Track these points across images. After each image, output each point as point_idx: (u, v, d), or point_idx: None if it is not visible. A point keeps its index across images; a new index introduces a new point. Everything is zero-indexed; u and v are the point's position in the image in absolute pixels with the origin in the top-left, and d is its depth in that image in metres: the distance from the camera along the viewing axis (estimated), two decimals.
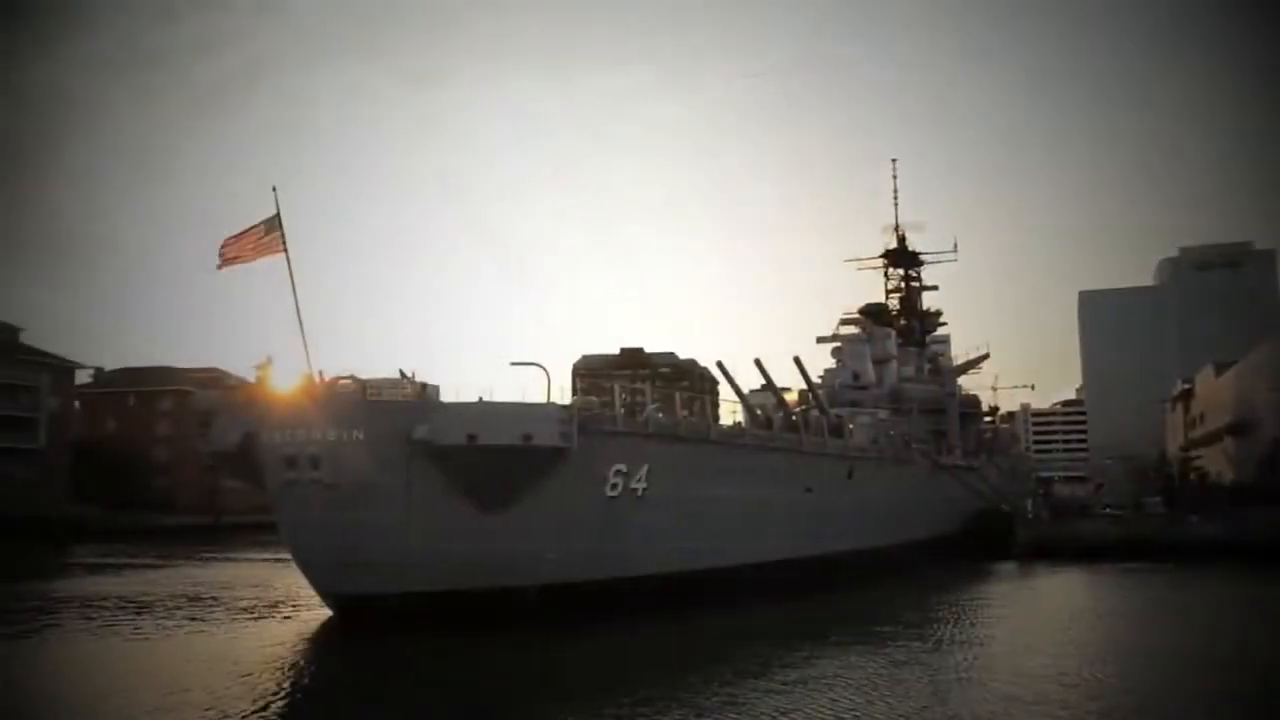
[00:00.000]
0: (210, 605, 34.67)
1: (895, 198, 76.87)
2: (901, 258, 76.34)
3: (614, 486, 31.03)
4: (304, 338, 28.09)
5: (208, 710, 18.43)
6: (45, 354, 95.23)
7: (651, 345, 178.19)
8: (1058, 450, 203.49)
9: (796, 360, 50.80)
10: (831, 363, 63.15)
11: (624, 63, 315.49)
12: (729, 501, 35.10)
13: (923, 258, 76.86)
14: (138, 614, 32.36)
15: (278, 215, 24.93)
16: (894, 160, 78.38)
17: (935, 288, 77.90)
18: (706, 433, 35.99)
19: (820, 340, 66.02)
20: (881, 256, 76.67)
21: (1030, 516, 60.24)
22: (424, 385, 28.43)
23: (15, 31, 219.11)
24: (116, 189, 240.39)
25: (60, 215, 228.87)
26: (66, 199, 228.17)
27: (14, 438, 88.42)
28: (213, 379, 75.53)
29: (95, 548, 67.21)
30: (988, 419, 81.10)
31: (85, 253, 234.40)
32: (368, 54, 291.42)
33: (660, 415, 35.13)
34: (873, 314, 69.29)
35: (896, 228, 76.62)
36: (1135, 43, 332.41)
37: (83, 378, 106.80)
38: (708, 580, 33.48)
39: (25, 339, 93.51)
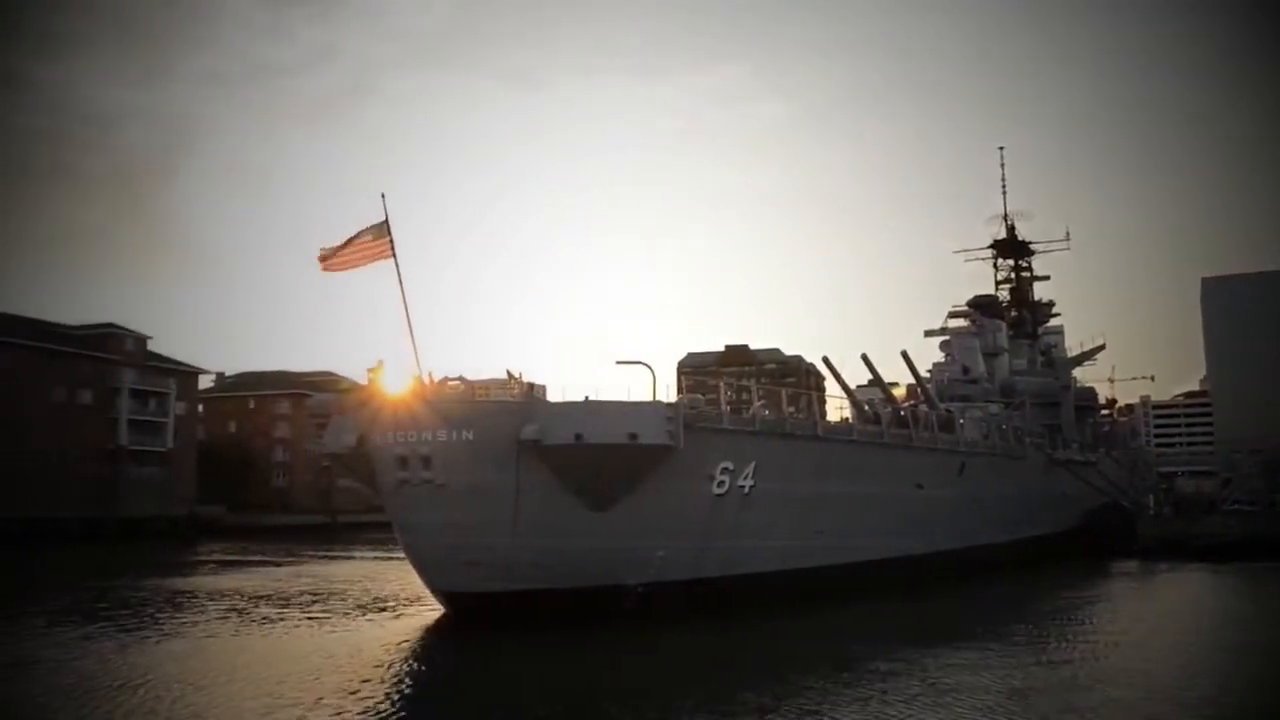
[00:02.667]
0: (331, 600, 35.79)
1: (1004, 187, 74.89)
2: (1011, 248, 74.28)
3: (720, 484, 30.94)
4: (413, 340, 28.73)
5: (343, 697, 19.19)
6: (172, 361, 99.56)
7: (757, 342, 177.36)
8: (1181, 443, 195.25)
9: (904, 355, 49.90)
10: (940, 357, 61.80)
11: (722, 60, 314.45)
12: (837, 499, 34.68)
13: (1033, 247, 74.64)
14: (268, 608, 33.70)
15: (386, 221, 25.49)
16: (1001, 149, 76.39)
17: (1047, 278, 75.57)
18: (813, 429, 35.61)
19: (928, 334, 64.74)
20: (990, 247, 74.75)
21: (1152, 513, 57.99)
22: (531, 385, 28.77)
23: (139, 56, 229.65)
24: (234, 200, 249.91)
25: (183, 227, 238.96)
26: (189, 212, 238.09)
27: (146, 441, 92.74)
28: (327, 382, 77.83)
29: (221, 545, 70.04)
30: (1105, 412, 78.30)
31: (206, 263, 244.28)
32: (470, 60, 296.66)
33: (766, 412, 34.88)
34: (982, 306, 67.57)
35: (1005, 217, 74.62)
36: (1253, 19, 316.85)
37: (205, 383, 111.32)
38: (816, 578, 33.14)
39: (152, 347, 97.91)
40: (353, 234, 28.38)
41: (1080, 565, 48.10)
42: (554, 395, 29.11)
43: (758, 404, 35.43)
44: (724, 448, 30.86)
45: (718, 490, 30.94)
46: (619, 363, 31.05)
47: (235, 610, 33.18)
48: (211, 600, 36.19)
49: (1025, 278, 74.47)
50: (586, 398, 28.80)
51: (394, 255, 28.43)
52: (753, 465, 31.50)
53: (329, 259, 28.34)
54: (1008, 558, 46.05)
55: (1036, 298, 74.70)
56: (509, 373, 29.16)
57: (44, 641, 26.53)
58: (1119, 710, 18.67)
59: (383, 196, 25.01)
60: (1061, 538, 53.50)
